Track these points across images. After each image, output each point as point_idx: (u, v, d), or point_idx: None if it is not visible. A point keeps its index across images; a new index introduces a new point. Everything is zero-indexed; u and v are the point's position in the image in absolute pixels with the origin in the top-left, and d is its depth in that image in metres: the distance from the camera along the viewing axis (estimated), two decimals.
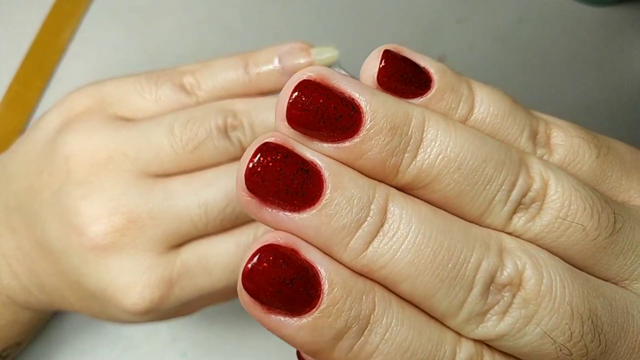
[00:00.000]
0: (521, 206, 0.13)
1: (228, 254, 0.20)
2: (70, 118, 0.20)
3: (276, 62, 0.21)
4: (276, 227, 0.12)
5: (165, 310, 0.20)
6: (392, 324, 0.12)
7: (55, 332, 0.30)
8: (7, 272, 0.22)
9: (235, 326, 0.32)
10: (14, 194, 0.21)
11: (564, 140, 0.15)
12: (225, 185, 0.19)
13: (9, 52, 0.34)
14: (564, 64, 0.40)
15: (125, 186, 0.19)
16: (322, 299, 0.12)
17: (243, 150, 0.20)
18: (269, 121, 0.20)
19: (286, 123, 0.12)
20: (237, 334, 0.32)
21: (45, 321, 0.26)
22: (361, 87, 0.13)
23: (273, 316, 0.12)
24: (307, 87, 0.12)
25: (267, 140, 0.12)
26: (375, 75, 0.13)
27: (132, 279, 0.19)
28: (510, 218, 0.13)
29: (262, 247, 0.12)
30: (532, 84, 0.39)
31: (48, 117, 0.21)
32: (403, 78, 0.13)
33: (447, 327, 0.13)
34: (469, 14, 0.40)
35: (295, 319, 0.12)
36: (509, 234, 0.13)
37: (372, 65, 0.13)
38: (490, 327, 0.12)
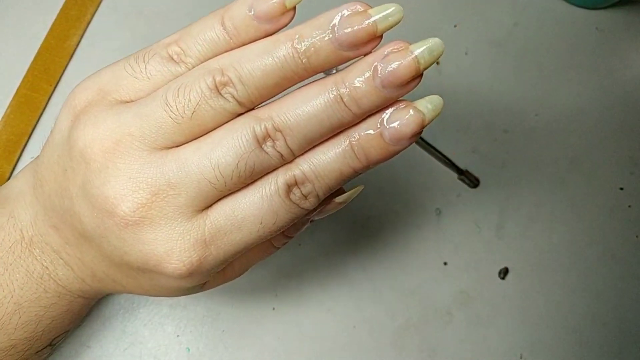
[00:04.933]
0: None
1: (253, 207, 0.20)
2: (76, 114, 0.21)
3: (250, 11, 0.20)
4: None
5: (209, 269, 0.21)
6: None
7: None
8: (61, 264, 0.23)
9: (238, 321, 0.33)
10: (47, 196, 0.22)
11: None
12: (231, 144, 0.20)
13: (18, 56, 0.35)
14: (559, 67, 0.41)
15: (139, 164, 0.20)
16: None
17: (238, 105, 0.20)
18: (255, 70, 0.20)
19: None
20: (240, 329, 0.33)
21: (90, 308, 0.27)
22: None
23: None
24: None
25: None
26: None
27: (169, 246, 0.20)
28: None
29: None
30: (527, 87, 0.40)
31: (59, 119, 0.22)
32: None
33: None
34: (465, 18, 0.40)
35: None
36: None
37: None
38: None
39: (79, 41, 0.36)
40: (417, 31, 0.39)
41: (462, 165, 0.38)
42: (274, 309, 0.34)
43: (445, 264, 0.36)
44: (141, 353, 0.32)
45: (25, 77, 0.34)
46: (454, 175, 0.37)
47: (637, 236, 0.38)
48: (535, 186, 0.38)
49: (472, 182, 0.37)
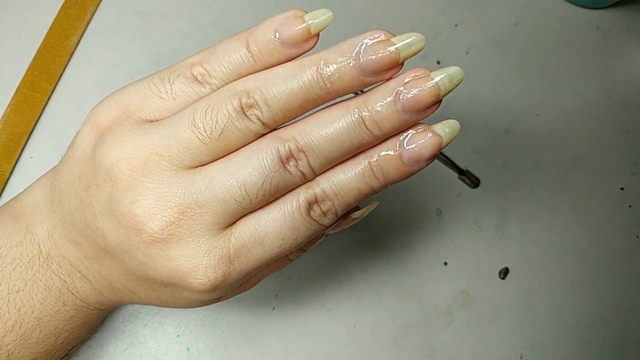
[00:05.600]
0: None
1: (276, 224, 0.21)
2: (101, 132, 0.21)
3: (275, 36, 0.21)
4: None
5: (232, 283, 0.22)
6: None
7: None
8: (78, 277, 0.24)
9: (238, 321, 0.33)
10: (67, 211, 0.23)
11: None
12: (257, 164, 0.20)
13: (17, 56, 0.35)
14: (560, 66, 0.40)
15: (167, 184, 0.20)
16: None
17: (263, 126, 0.20)
18: (280, 93, 0.20)
19: None
20: (240, 329, 0.33)
21: (104, 318, 0.28)
22: None
23: None
24: None
25: None
26: None
27: (195, 263, 0.21)
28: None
29: None
30: (528, 87, 0.40)
31: (81, 136, 0.22)
32: None
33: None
34: (466, 18, 0.40)
35: None
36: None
37: None
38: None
39: (79, 40, 0.36)
40: (418, 31, 0.39)
41: (462, 165, 0.38)
42: (274, 309, 0.34)
43: (445, 264, 0.36)
44: (141, 353, 0.32)
45: (25, 76, 0.34)
46: (455, 175, 0.37)
47: (637, 236, 0.38)
48: (535, 186, 0.38)
49: (473, 182, 0.37)
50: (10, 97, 0.34)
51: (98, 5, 0.37)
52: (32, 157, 0.34)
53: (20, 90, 0.34)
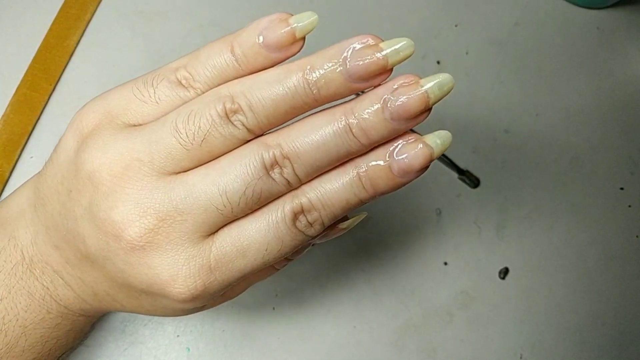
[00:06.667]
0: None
1: (259, 234, 0.20)
2: (84, 137, 0.21)
3: (259, 39, 0.20)
4: None
5: (212, 293, 0.21)
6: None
7: None
8: (61, 284, 0.23)
9: (238, 321, 0.33)
10: (50, 215, 0.22)
11: None
12: (239, 171, 0.20)
13: (17, 56, 0.35)
14: (560, 67, 0.40)
15: (147, 190, 0.20)
16: None
17: (247, 132, 0.20)
18: (265, 98, 0.20)
19: None
20: (240, 329, 0.33)
21: (93, 325, 0.27)
22: None
23: None
24: None
25: None
26: None
27: (174, 272, 0.20)
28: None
29: None
30: (528, 87, 0.40)
31: (64, 140, 0.22)
32: None
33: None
34: (465, 18, 0.40)
35: None
36: None
37: None
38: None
39: (79, 40, 0.36)
40: (418, 31, 0.39)
41: (462, 165, 0.38)
42: (274, 309, 0.34)
43: (445, 264, 0.36)
44: (141, 353, 0.32)
45: (25, 76, 0.34)
46: (454, 175, 0.37)
47: (637, 236, 0.38)
48: (535, 186, 0.38)
49: (473, 182, 0.37)
50: (10, 97, 0.34)
51: (98, 5, 0.37)
52: (32, 157, 0.34)
53: (20, 90, 0.34)
